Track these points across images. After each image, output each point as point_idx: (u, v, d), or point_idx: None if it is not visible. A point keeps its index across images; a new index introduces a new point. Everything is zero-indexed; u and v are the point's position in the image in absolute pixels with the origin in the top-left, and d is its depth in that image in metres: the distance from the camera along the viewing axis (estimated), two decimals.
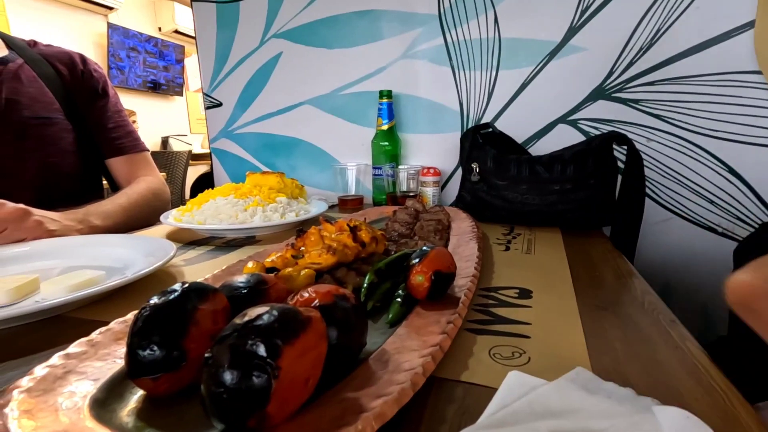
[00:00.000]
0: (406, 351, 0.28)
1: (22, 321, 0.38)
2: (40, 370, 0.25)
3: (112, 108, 0.90)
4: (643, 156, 0.76)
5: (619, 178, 0.74)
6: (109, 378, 0.26)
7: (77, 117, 0.85)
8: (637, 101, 0.86)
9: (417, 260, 0.36)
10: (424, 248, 0.38)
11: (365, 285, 0.39)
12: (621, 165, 0.76)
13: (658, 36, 0.82)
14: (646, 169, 0.76)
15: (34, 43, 0.86)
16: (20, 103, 0.76)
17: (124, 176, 0.90)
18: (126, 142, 0.90)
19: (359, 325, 0.27)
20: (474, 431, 0.21)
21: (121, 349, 0.28)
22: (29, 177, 0.77)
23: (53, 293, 0.40)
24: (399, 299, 0.37)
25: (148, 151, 0.95)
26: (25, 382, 0.24)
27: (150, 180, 0.90)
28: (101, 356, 0.28)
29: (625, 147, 0.72)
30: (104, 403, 0.24)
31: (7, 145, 0.74)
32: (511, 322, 0.37)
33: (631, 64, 0.85)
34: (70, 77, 0.85)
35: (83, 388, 0.25)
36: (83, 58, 0.89)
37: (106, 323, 0.32)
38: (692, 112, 0.83)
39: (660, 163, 0.87)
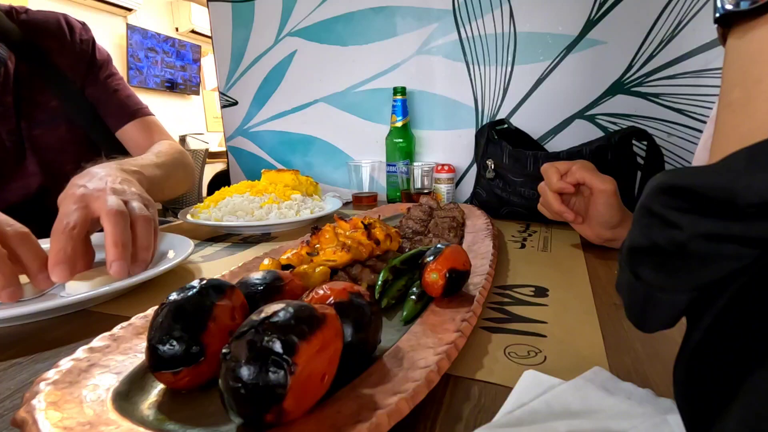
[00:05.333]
0: (421, 348, 0.28)
1: (49, 315, 0.39)
2: (65, 363, 0.26)
3: (105, 76, 0.82)
4: (664, 151, 0.74)
5: (639, 174, 0.72)
6: (131, 372, 0.27)
7: (77, 101, 0.78)
8: (657, 95, 0.84)
9: (431, 258, 0.36)
10: (439, 246, 0.38)
11: (380, 282, 0.39)
12: (640, 161, 0.74)
13: (679, 28, 0.80)
14: (666, 164, 0.74)
15: (15, 12, 0.75)
16: (22, 113, 0.71)
17: (142, 143, 0.81)
18: (131, 104, 0.83)
19: (374, 322, 0.27)
20: (490, 429, 0.21)
21: (142, 344, 0.29)
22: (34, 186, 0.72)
23: (77, 288, 0.42)
24: (413, 297, 0.37)
25: (152, 114, 0.87)
26: (52, 374, 0.25)
27: (170, 142, 0.83)
28: (123, 350, 0.29)
29: (645, 142, 0.71)
30: (127, 396, 0.25)
31: (6, 153, 0.70)
32: (526, 321, 0.36)
33: (651, 57, 0.83)
34: (60, 53, 0.76)
35: (106, 381, 0.25)
36: (69, 26, 0.79)
37: (128, 318, 0.33)
38: (714, 105, 0.80)
39: (681, 158, 0.85)
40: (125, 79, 0.90)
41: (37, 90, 0.74)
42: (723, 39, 0.22)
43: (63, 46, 0.77)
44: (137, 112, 0.83)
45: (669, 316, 0.16)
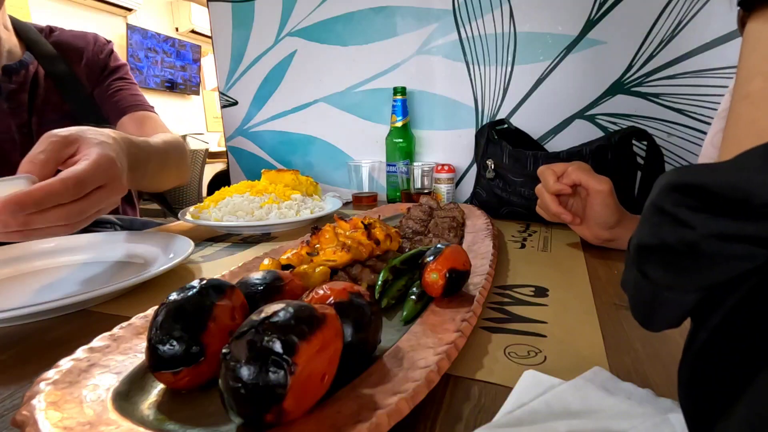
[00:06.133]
0: (421, 348, 0.28)
1: (49, 315, 0.39)
2: (65, 363, 0.26)
3: (115, 77, 0.85)
4: (664, 151, 0.74)
5: (639, 174, 0.72)
6: (131, 371, 0.27)
7: (90, 109, 0.81)
8: (657, 95, 0.84)
9: (431, 258, 0.36)
10: (439, 246, 0.38)
11: (380, 282, 0.39)
12: (640, 161, 0.75)
13: (679, 28, 0.80)
14: (666, 164, 0.74)
15: (50, 31, 0.83)
16: (35, 109, 0.76)
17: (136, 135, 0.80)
18: (130, 100, 0.84)
19: (374, 322, 0.27)
20: (490, 429, 0.21)
21: (142, 344, 0.29)
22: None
23: None
24: (413, 297, 0.37)
25: (157, 115, 0.88)
26: (52, 374, 0.25)
27: (167, 134, 0.80)
28: (123, 350, 0.29)
29: (645, 142, 0.71)
30: (127, 396, 0.25)
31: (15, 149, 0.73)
32: (526, 321, 0.36)
33: (651, 57, 0.83)
34: (80, 63, 0.82)
35: (106, 381, 0.25)
36: (95, 41, 0.85)
37: (128, 318, 0.33)
38: (715, 105, 0.80)
39: (681, 158, 0.85)
40: None
41: (51, 91, 0.78)
42: (742, 24, 0.21)
43: (83, 58, 0.83)
44: (135, 106, 0.84)
45: (676, 315, 0.16)
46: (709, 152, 0.59)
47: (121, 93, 0.84)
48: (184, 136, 3.53)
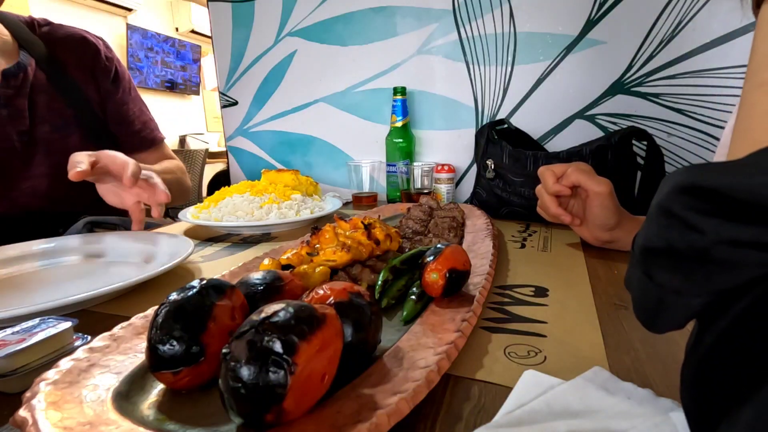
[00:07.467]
0: (421, 348, 0.28)
1: (49, 315, 0.39)
2: (65, 363, 0.26)
3: (126, 97, 0.85)
4: (664, 151, 0.74)
5: (639, 174, 0.72)
6: (131, 371, 0.27)
7: (89, 114, 0.80)
8: (657, 95, 0.84)
9: (431, 258, 0.36)
10: (439, 246, 0.38)
11: (380, 282, 0.39)
12: (640, 161, 0.75)
13: (679, 28, 0.80)
14: (666, 164, 0.74)
15: (37, 25, 0.78)
16: (37, 116, 0.73)
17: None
18: (146, 134, 0.88)
19: (374, 322, 0.27)
20: (490, 429, 0.21)
21: (143, 344, 0.29)
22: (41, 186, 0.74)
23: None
24: (413, 297, 0.37)
25: (164, 138, 0.94)
26: (52, 374, 0.25)
27: (174, 162, 0.91)
28: (123, 350, 0.29)
29: (645, 142, 0.71)
30: (127, 395, 0.25)
31: (15, 157, 0.71)
32: (526, 321, 0.36)
33: (651, 57, 0.83)
34: (77, 67, 0.79)
35: (106, 381, 0.25)
36: (90, 43, 0.82)
37: (128, 318, 0.33)
38: (715, 105, 0.80)
39: (681, 158, 0.85)
40: None
41: (52, 98, 0.75)
42: (757, 5, 0.20)
43: (81, 62, 0.80)
44: (153, 141, 0.90)
45: (680, 318, 0.16)
46: (728, 144, 0.58)
47: (138, 123, 0.87)
48: (184, 137, 3.54)
